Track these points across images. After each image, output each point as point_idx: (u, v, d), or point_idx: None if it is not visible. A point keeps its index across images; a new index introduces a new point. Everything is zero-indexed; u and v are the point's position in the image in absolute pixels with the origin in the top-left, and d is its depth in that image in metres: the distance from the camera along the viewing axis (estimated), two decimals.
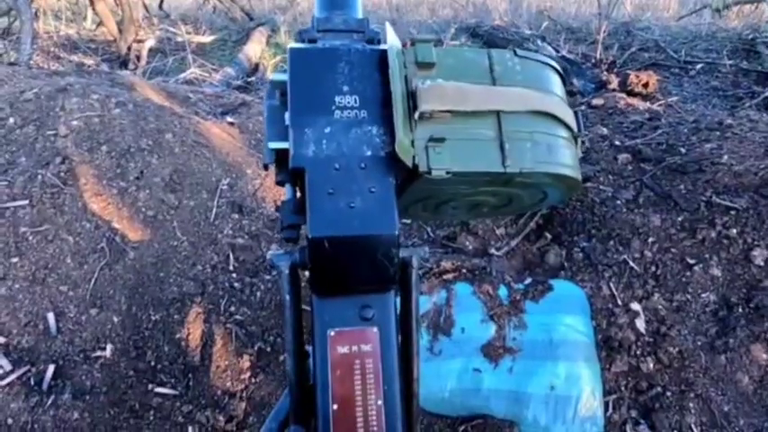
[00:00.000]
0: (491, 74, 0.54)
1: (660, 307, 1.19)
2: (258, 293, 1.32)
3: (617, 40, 4.09)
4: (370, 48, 0.53)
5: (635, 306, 1.19)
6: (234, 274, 1.34)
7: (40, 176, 1.34)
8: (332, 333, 0.49)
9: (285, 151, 0.50)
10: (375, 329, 0.49)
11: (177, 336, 1.21)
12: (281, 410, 0.65)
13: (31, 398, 1.04)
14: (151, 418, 1.10)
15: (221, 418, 1.13)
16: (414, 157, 0.48)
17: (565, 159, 0.55)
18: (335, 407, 0.48)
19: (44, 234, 1.26)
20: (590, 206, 1.44)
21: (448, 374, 1.11)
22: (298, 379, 0.55)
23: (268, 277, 1.35)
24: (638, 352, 1.11)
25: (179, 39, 4.47)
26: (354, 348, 0.49)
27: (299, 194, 0.52)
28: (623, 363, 1.10)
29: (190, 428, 1.10)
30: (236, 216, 1.47)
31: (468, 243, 1.42)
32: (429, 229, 1.52)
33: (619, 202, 1.40)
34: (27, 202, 1.29)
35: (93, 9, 4.44)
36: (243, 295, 1.30)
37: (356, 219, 0.47)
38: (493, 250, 1.40)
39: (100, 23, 4.69)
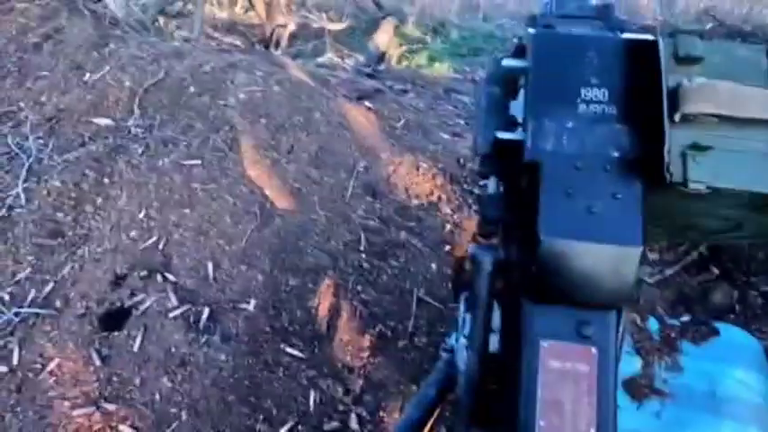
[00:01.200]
0: None
1: None
2: (384, 277, 1.34)
3: None
4: (623, 37, 0.47)
5: None
6: (363, 255, 1.38)
7: (211, 140, 1.51)
8: (546, 344, 0.45)
9: (502, 142, 0.46)
10: (594, 350, 0.45)
11: (309, 303, 1.29)
12: (423, 401, 0.64)
13: (189, 333, 1.19)
14: (281, 374, 1.18)
15: (340, 389, 1.18)
16: (668, 164, 0.42)
17: None
18: (543, 423, 0.44)
19: (210, 192, 1.42)
20: None
21: None
22: (481, 380, 0.52)
23: (395, 263, 1.37)
24: None
25: (314, 25, 4.77)
26: (569, 365, 0.45)
27: (501, 189, 0.49)
28: None
29: (312, 392, 1.17)
30: (369, 199, 1.51)
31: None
32: None
33: None
34: (200, 162, 1.47)
35: None
36: (370, 276, 1.34)
37: (596, 225, 0.42)
38: (644, 276, 1.25)
39: (249, 8, 5.20)
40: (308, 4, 6.02)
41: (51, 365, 1.16)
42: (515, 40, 0.53)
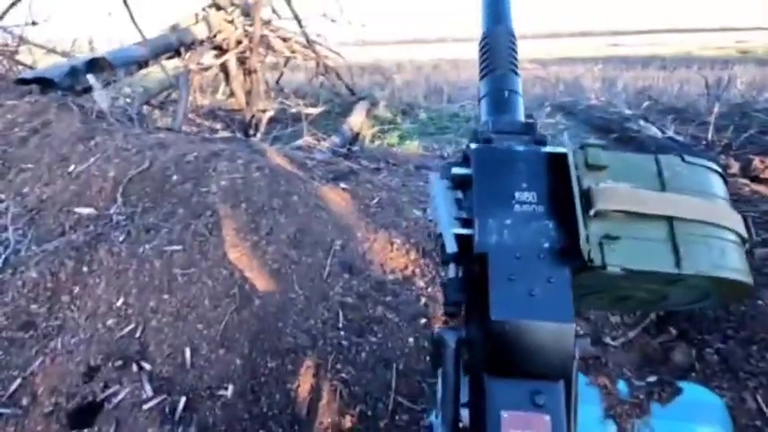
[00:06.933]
0: (659, 178, 0.58)
1: None
2: (363, 354, 1.36)
3: (731, 121, 3.86)
4: (544, 150, 0.60)
5: None
6: (342, 332, 1.40)
7: (192, 226, 1.57)
8: (505, 415, 0.51)
9: (458, 237, 0.56)
10: (547, 417, 0.50)
11: (288, 386, 1.28)
12: None
13: (164, 425, 1.15)
14: None
15: None
16: (588, 252, 0.52)
17: (738, 264, 0.55)
18: None
19: (190, 276, 1.45)
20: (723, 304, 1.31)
21: None
22: None
23: (373, 339, 1.40)
24: None
25: (292, 110, 5.10)
26: None
27: (461, 274, 0.58)
28: None
29: None
30: (347, 276, 1.57)
31: (578, 328, 1.36)
32: None
33: (761, 302, 1.27)
34: (180, 247, 1.51)
35: (228, 83, 5.29)
36: (349, 354, 1.35)
37: (536, 306, 0.50)
38: (608, 339, 1.31)
39: (230, 95, 5.55)
40: (286, 91, 6.48)
41: None
42: (463, 147, 0.65)
